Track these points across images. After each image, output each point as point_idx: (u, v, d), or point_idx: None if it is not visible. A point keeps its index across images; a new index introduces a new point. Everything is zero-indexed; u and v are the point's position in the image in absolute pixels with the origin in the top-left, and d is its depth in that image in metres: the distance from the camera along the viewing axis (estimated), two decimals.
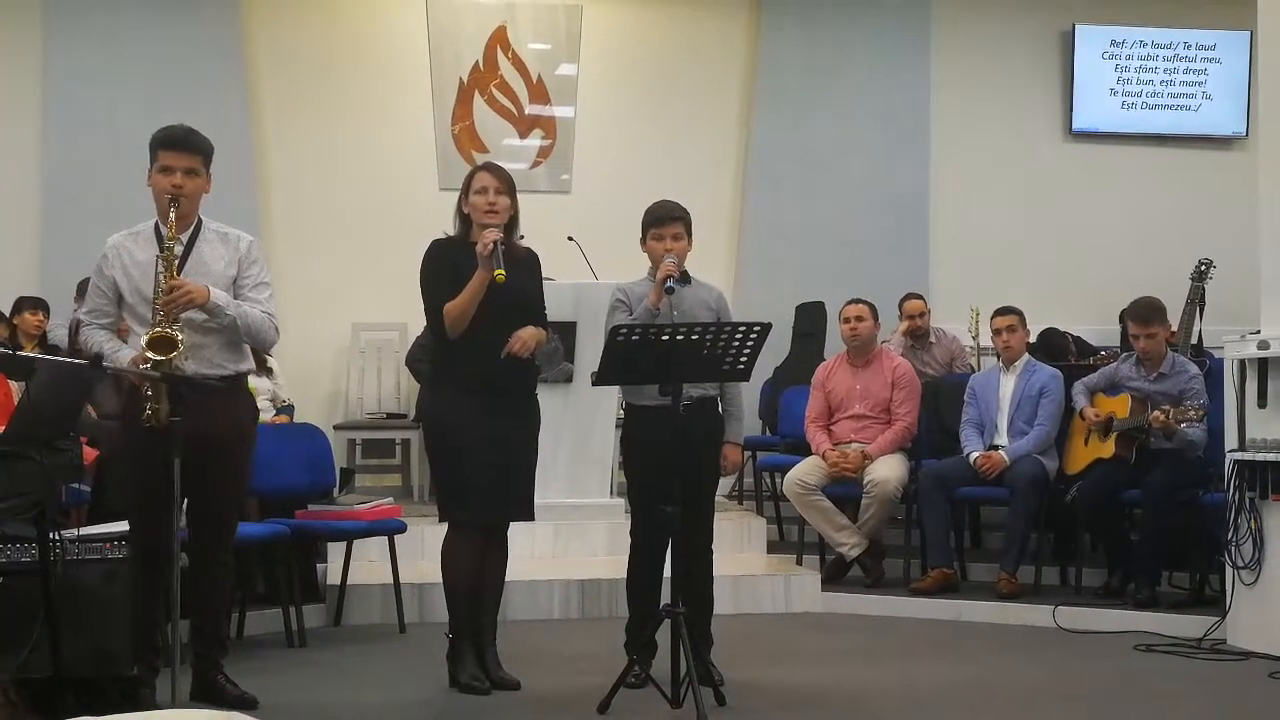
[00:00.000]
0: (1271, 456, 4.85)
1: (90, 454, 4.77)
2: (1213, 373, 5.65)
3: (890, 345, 6.83)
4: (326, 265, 8.00)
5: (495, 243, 4.04)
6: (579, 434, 6.32)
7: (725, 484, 6.61)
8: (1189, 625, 5.17)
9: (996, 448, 5.94)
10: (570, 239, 6.93)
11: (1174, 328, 6.21)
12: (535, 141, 8.52)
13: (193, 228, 3.97)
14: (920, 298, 7.37)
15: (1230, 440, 5.06)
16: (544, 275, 4.41)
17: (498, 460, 4.16)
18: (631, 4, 8.68)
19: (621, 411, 4.72)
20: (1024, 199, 8.89)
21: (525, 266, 4.28)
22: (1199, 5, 8.97)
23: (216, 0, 8.09)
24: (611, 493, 6.49)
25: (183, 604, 3.92)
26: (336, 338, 8.11)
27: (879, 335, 6.42)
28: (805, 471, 6.00)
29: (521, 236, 4.33)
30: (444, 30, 8.41)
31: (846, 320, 6.21)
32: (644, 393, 4.25)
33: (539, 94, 8.52)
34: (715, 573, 4.40)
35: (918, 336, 7.24)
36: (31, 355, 5.25)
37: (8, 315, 6.60)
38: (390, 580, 5.39)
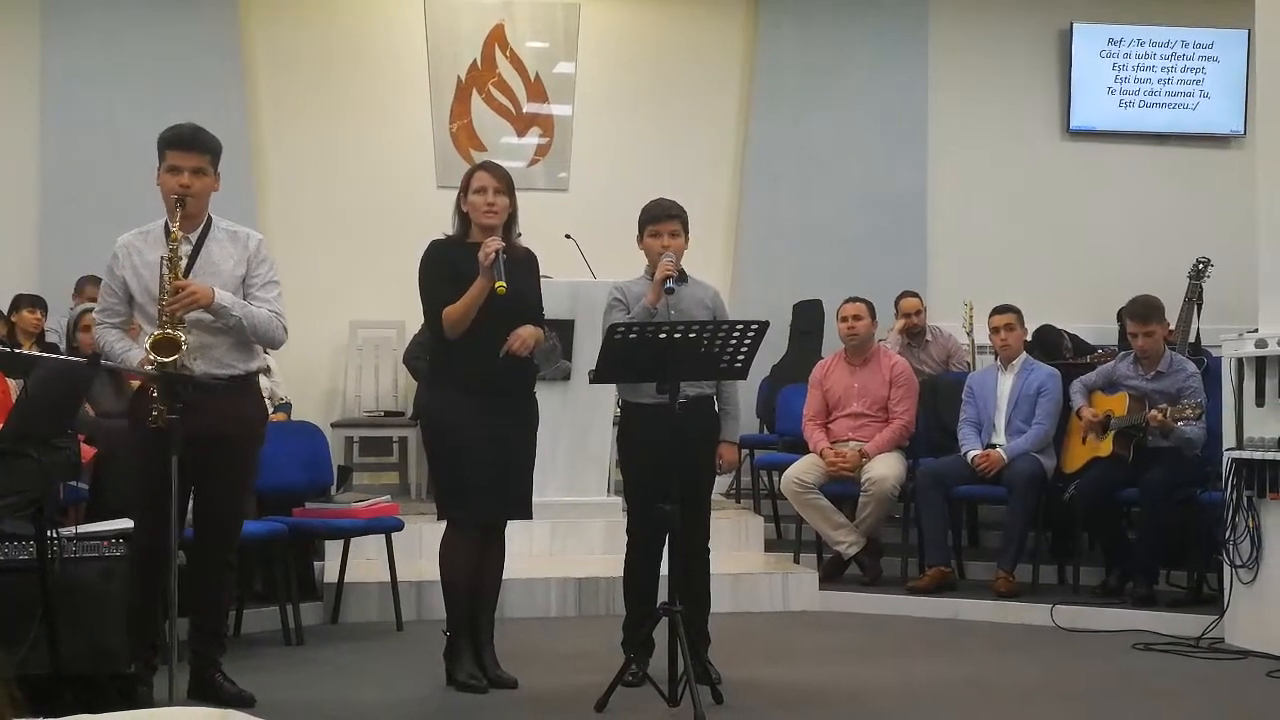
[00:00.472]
0: (1269, 455, 4.86)
1: (88, 452, 4.77)
2: (1210, 371, 5.65)
3: (886, 343, 6.83)
4: (324, 263, 8.00)
5: (497, 252, 4.04)
6: (576, 432, 6.32)
7: (723, 482, 6.64)
8: (1187, 624, 5.17)
9: (994, 446, 5.95)
10: (568, 237, 6.93)
11: (1172, 326, 6.21)
12: (533, 140, 8.52)
13: (202, 227, 3.97)
14: (916, 296, 7.37)
15: (1228, 439, 5.07)
16: (542, 273, 4.41)
17: (496, 459, 4.16)
18: (629, 2, 8.68)
19: (618, 409, 4.72)
20: (1022, 197, 8.89)
21: (524, 266, 4.27)
22: (1197, 4, 8.97)
23: None
24: (609, 491, 6.49)
25: (183, 602, 3.93)
26: (334, 335, 8.11)
27: (876, 333, 6.42)
28: (803, 470, 6.00)
29: (519, 234, 4.33)
30: (442, 29, 8.41)
31: (844, 319, 6.21)
32: (641, 391, 4.25)
33: (537, 92, 8.52)
34: (713, 571, 4.40)
35: (914, 335, 7.24)
36: (30, 353, 5.26)
37: (6, 313, 6.59)
38: (388, 578, 5.39)
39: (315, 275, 7.95)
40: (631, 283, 4.41)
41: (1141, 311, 5.66)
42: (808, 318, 8.04)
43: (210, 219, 4.01)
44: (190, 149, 3.91)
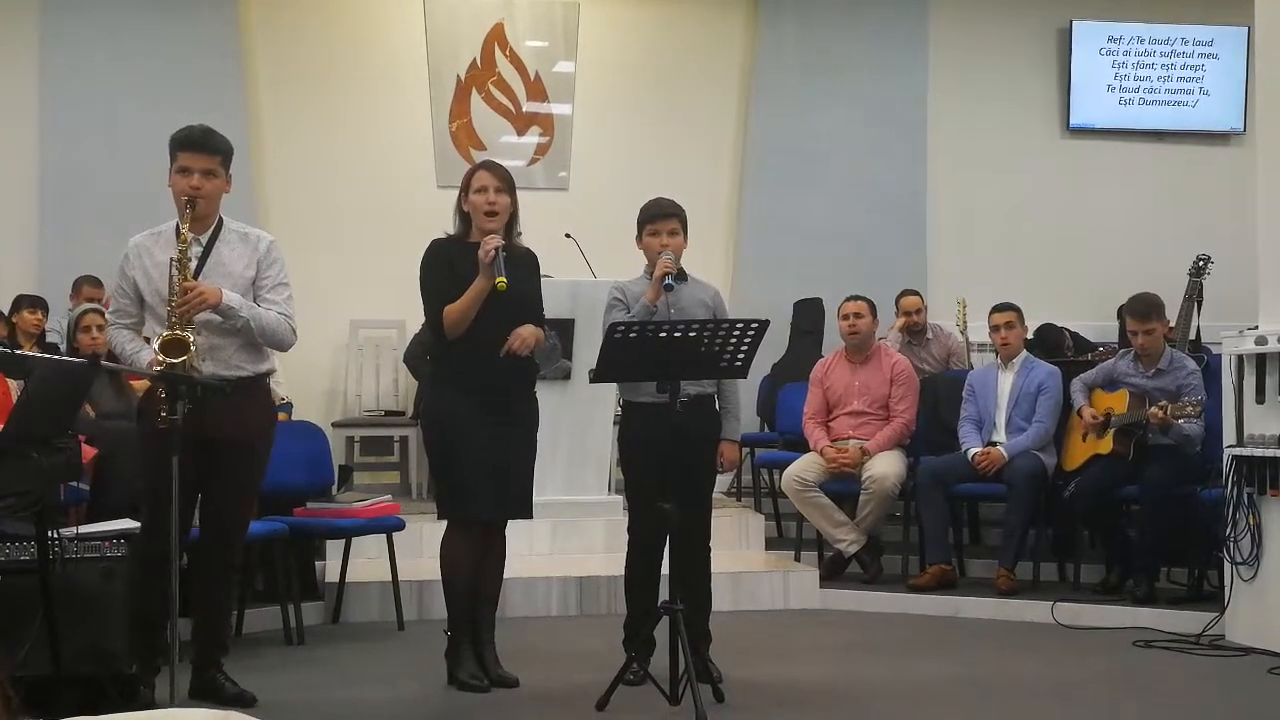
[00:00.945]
0: (1269, 452, 4.86)
1: (89, 452, 4.76)
2: (1211, 368, 5.65)
3: (887, 341, 6.83)
4: (324, 262, 7.99)
5: (497, 250, 4.04)
6: (577, 431, 6.32)
7: (723, 481, 6.64)
8: (1187, 621, 5.18)
9: (995, 444, 5.95)
10: (568, 236, 6.93)
11: (1172, 323, 6.21)
12: (533, 139, 8.52)
13: (213, 228, 3.98)
14: (917, 294, 7.37)
15: (1228, 436, 5.07)
16: (542, 273, 4.41)
17: (496, 458, 4.16)
18: (629, 1, 8.67)
19: (619, 408, 4.73)
20: (1022, 195, 8.89)
21: (524, 266, 4.27)
22: (1196, 1, 8.97)
23: None
24: (609, 490, 6.49)
25: (186, 603, 3.93)
26: (335, 335, 8.11)
27: (877, 332, 6.42)
28: (803, 468, 6.01)
29: (519, 234, 4.33)
30: (441, 28, 8.41)
31: (845, 317, 6.21)
32: (641, 390, 4.25)
33: (536, 91, 8.52)
34: (713, 569, 4.40)
35: (914, 333, 7.24)
36: (30, 354, 5.25)
37: (6, 314, 6.59)
38: (389, 578, 5.39)
39: (315, 275, 7.92)
40: (631, 282, 4.41)
41: (1141, 309, 5.66)
42: (808, 316, 8.04)
43: (221, 220, 4.02)
44: (201, 150, 3.92)
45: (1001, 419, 6.02)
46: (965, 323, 7.37)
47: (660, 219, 4.32)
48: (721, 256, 8.49)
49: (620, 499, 6.11)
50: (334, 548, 5.63)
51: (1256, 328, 5.01)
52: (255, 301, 3.96)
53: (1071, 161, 8.99)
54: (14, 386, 4.91)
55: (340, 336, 8.14)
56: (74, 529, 3.94)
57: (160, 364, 3.70)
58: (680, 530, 4.03)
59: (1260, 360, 4.97)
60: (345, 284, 8.05)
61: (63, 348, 6.06)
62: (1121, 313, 6.60)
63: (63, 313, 6.73)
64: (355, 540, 5.50)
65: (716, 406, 4.41)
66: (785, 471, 6.12)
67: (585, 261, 6.83)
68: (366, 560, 5.64)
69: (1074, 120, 8.97)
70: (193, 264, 3.86)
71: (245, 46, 8.20)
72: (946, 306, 7.88)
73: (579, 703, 3.99)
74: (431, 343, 4.48)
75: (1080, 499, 5.66)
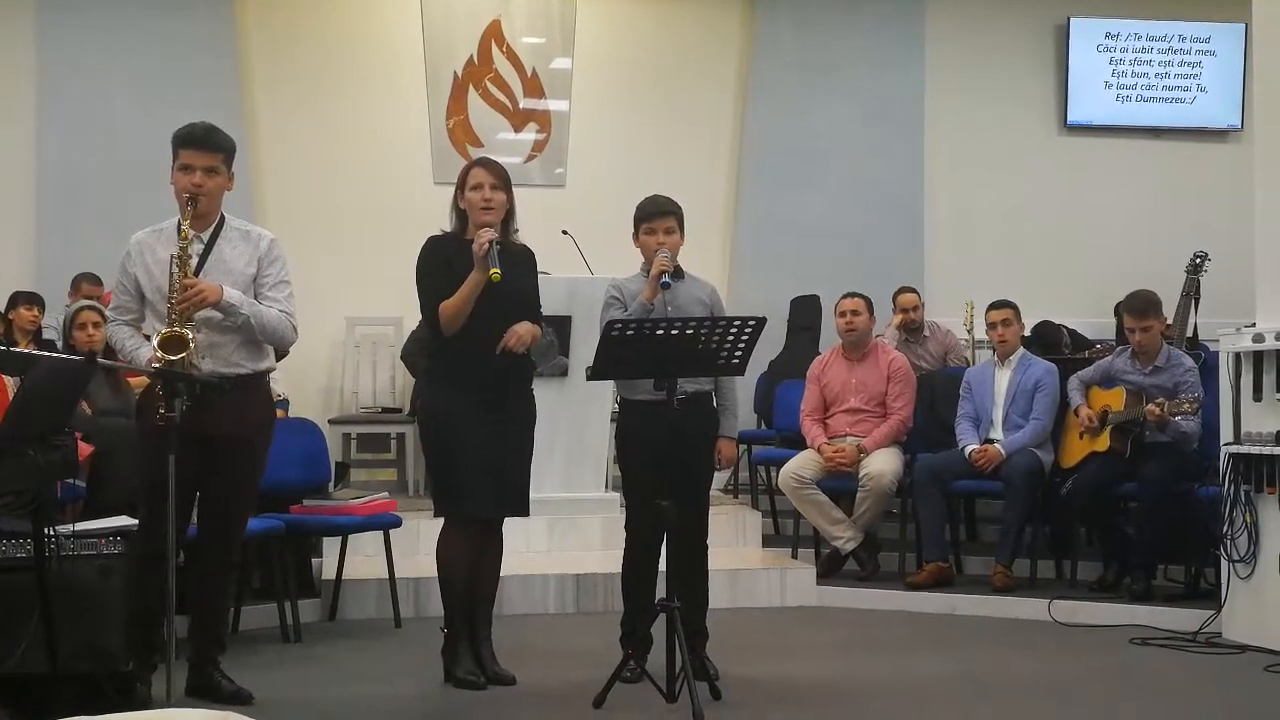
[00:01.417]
0: (1266, 449, 4.86)
1: (85, 450, 4.76)
2: (1208, 366, 5.65)
3: (884, 339, 6.83)
4: (321, 259, 7.97)
5: (491, 242, 4.04)
6: (574, 428, 6.32)
7: (720, 478, 6.64)
8: (1184, 618, 5.18)
9: (992, 441, 5.95)
10: (565, 233, 6.92)
11: (1169, 321, 6.21)
12: (530, 135, 8.51)
13: (214, 225, 3.97)
14: (914, 291, 7.37)
15: (1225, 433, 5.07)
16: (539, 270, 4.41)
17: (493, 455, 4.15)
18: None
19: (616, 406, 4.72)
20: (1019, 193, 8.90)
21: (521, 263, 4.27)
22: None
23: None
24: (606, 487, 6.49)
25: (184, 601, 3.93)
26: (331, 332, 8.11)
27: (874, 329, 6.42)
28: (800, 465, 6.01)
29: (516, 230, 4.32)
30: (438, 24, 8.40)
31: (842, 314, 6.21)
32: (638, 388, 4.25)
33: (533, 88, 8.52)
34: (710, 567, 4.41)
35: (912, 330, 7.24)
36: (27, 351, 5.25)
37: (3, 311, 6.58)
38: (386, 575, 5.39)
39: (312, 272, 7.87)
40: (628, 280, 4.40)
41: (1139, 306, 5.66)
42: (805, 313, 8.04)
43: (223, 217, 4.01)
44: (203, 148, 3.91)
45: (998, 416, 6.02)
46: (973, 323, 7.36)
47: (657, 217, 4.31)
48: (718, 254, 8.49)
49: (617, 496, 6.10)
50: (331, 545, 5.62)
51: (1254, 325, 5.01)
52: (256, 299, 3.96)
53: (1069, 159, 8.99)
54: (10, 383, 4.91)
55: (337, 333, 8.14)
56: (70, 526, 3.93)
57: (159, 361, 3.70)
58: (678, 528, 4.03)
59: (1257, 358, 4.97)
60: (342, 281, 8.05)
61: (59, 345, 6.06)
62: (1119, 310, 6.61)
63: (59, 309, 6.72)
64: (352, 537, 5.49)
65: (714, 404, 4.41)
66: (782, 469, 6.12)
67: (582, 258, 6.82)
68: (363, 558, 5.64)
69: (1072, 117, 8.98)
70: (194, 261, 3.85)
71: (242, 44, 8.19)
72: (944, 304, 7.89)
73: (576, 700, 3.99)
74: (428, 340, 4.47)
75: (1077, 496, 5.67)
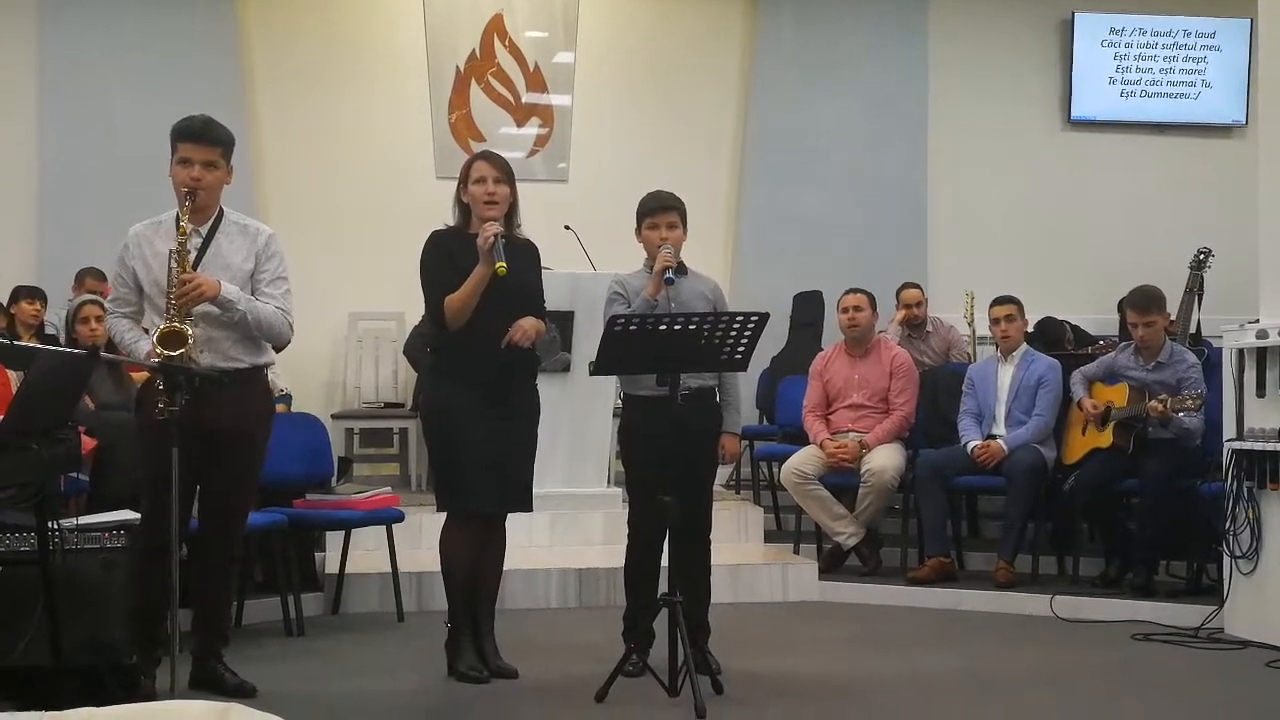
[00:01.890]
0: (1269, 446, 4.86)
1: (88, 443, 4.76)
2: (1211, 362, 5.65)
3: (887, 334, 6.83)
4: (323, 254, 7.98)
5: (496, 236, 4.04)
6: (576, 423, 6.32)
7: (723, 473, 6.64)
8: (1186, 614, 5.18)
9: (995, 437, 5.95)
10: (567, 228, 6.92)
11: (1172, 316, 6.21)
12: (532, 130, 8.51)
13: (213, 219, 3.97)
14: (917, 287, 7.36)
15: (1228, 429, 5.07)
16: (542, 265, 4.40)
17: (497, 451, 4.15)
18: None
19: (619, 401, 4.72)
20: (1022, 188, 8.88)
21: (525, 257, 4.26)
22: None
23: None
24: (609, 482, 6.50)
25: (187, 594, 3.93)
26: (334, 327, 8.11)
27: (877, 324, 6.41)
28: (803, 461, 6.00)
29: (519, 225, 4.32)
30: (440, 18, 8.39)
31: (845, 310, 6.21)
32: (641, 383, 4.25)
33: (536, 82, 8.51)
34: (713, 562, 4.41)
35: (914, 326, 7.24)
36: (30, 345, 5.25)
37: (5, 305, 6.59)
38: (388, 569, 5.39)
39: (314, 267, 7.90)
40: (631, 276, 4.40)
41: (1142, 302, 5.65)
42: (808, 309, 8.03)
43: (222, 211, 4.01)
44: (202, 141, 3.91)
45: (1001, 412, 6.01)
46: (973, 314, 7.36)
47: (660, 212, 4.31)
48: (721, 249, 8.49)
49: (619, 491, 6.11)
50: (333, 539, 5.63)
51: (1257, 321, 5.01)
52: (253, 295, 3.95)
53: (1073, 154, 8.98)
54: (14, 378, 4.92)
55: (339, 328, 8.14)
56: (74, 520, 3.94)
57: (158, 356, 3.70)
58: (680, 523, 4.03)
59: (1260, 354, 4.96)
60: (344, 276, 8.04)
61: (61, 339, 6.06)
62: (1122, 306, 6.60)
63: (61, 304, 6.73)
64: (355, 532, 5.50)
65: (717, 399, 4.40)
66: (784, 464, 6.12)
67: (585, 254, 6.82)
68: (366, 552, 5.65)
69: (1075, 113, 8.96)
70: (191, 255, 3.85)
71: (243, 39, 8.19)
72: (947, 299, 7.88)
73: (578, 694, 4.00)
74: (431, 335, 4.47)
75: (1080, 492, 5.66)
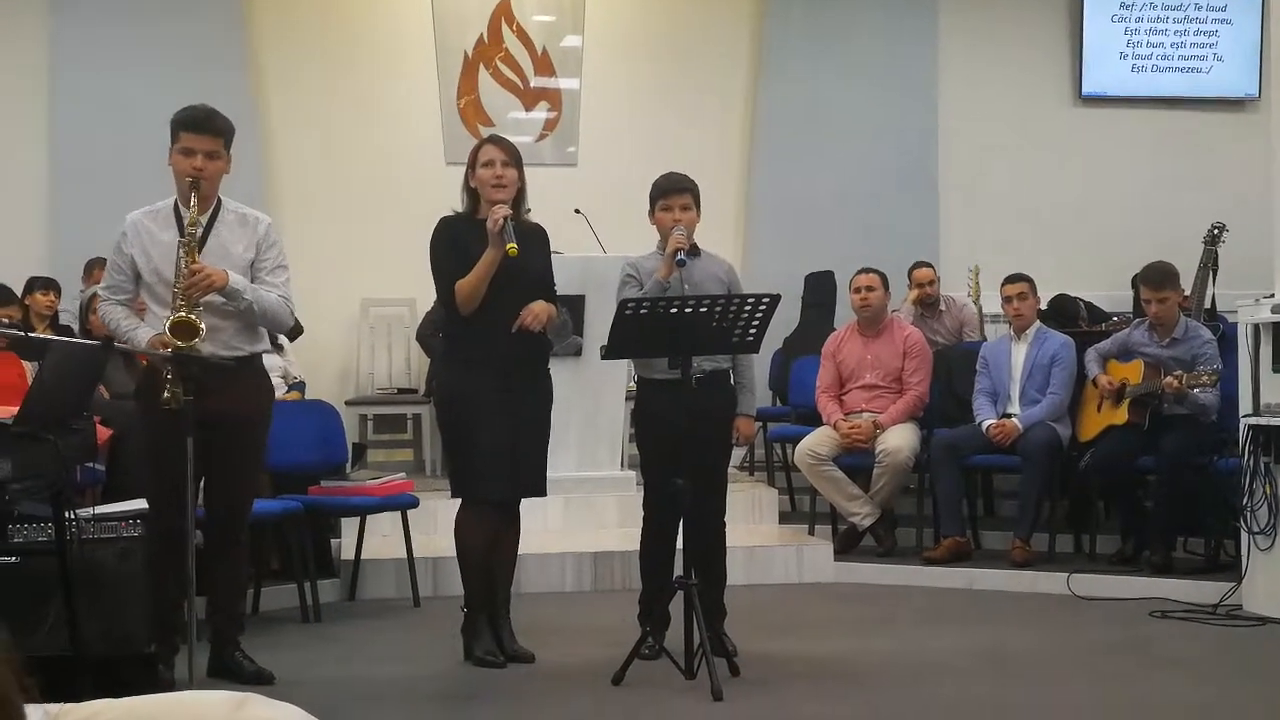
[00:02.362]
0: None
1: (104, 433, 4.78)
2: (1226, 337, 5.62)
3: (900, 314, 6.81)
4: (334, 240, 7.99)
5: (505, 218, 4.03)
6: (588, 407, 6.32)
7: (736, 455, 6.63)
8: (1204, 591, 5.16)
9: (1009, 416, 5.93)
10: (577, 211, 6.90)
11: (1187, 292, 6.17)
12: (541, 114, 8.48)
13: (212, 209, 3.97)
14: (930, 266, 7.33)
15: (1244, 405, 5.04)
16: (552, 249, 4.40)
17: (510, 435, 4.15)
18: None
19: (633, 384, 4.71)
20: (1034, 165, 8.83)
21: (534, 241, 4.26)
22: None
23: None
24: (622, 465, 6.50)
25: (200, 582, 3.94)
26: (346, 314, 8.12)
27: (889, 304, 6.39)
28: (817, 442, 5.99)
29: (528, 210, 4.31)
30: (448, 4, 8.36)
31: (857, 290, 6.19)
32: (655, 366, 4.24)
33: (544, 66, 8.48)
34: (728, 544, 4.41)
35: (927, 305, 7.21)
36: (45, 336, 5.27)
37: (20, 296, 6.60)
38: (404, 555, 5.40)
39: (325, 253, 7.94)
40: (644, 258, 4.39)
41: (1156, 278, 5.62)
42: (820, 289, 8.00)
43: (220, 201, 4.00)
44: (204, 131, 3.90)
45: (1015, 391, 5.99)
46: (979, 290, 7.33)
47: (673, 193, 4.29)
48: (732, 230, 8.46)
49: (633, 475, 6.11)
50: (349, 525, 5.64)
51: (1273, 296, 4.98)
52: (253, 283, 3.96)
53: (1084, 130, 8.92)
54: (29, 369, 4.93)
55: (352, 315, 8.15)
56: (90, 510, 3.95)
57: (167, 345, 3.70)
58: (695, 506, 4.03)
59: (1276, 329, 4.93)
60: (355, 262, 8.05)
61: (75, 329, 6.07)
62: (1136, 282, 6.56)
63: (75, 294, 6.74)
64: (370, 518, 5.52)
65: (732, 382, 4.39)
66: (798, 445, 6.11)
67: (595, 237, 6.81)
68: (381, 538, 5.66)
69: (1086, 88, 8.90)
70: (196, 247, 3.85)
71: (252, 25, 8.17)
72: (960, 278, 7.84)
73: (595, 678, 4.00)
74: (443, 320, 4.47)
75: (1096, 470, 5.65)
